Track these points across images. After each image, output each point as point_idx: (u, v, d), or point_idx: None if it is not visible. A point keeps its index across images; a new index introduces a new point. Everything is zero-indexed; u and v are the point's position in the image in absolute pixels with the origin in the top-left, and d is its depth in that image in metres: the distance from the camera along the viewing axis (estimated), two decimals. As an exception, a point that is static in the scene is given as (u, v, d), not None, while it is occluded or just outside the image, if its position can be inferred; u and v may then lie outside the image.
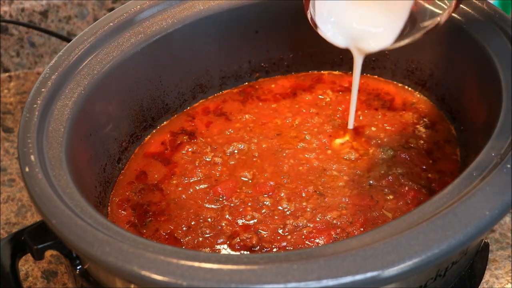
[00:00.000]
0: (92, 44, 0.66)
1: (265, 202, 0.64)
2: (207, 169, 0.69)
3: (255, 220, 0.63)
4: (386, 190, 0.64)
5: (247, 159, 0.70)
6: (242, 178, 0.67)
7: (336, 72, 0.82)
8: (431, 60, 0.75)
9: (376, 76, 0.81)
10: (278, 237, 0.61)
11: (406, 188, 0.64)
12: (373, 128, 0.72)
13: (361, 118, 0.74)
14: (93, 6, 1.02)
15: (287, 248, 0.60)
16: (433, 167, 0.67)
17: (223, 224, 0.62)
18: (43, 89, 0.60)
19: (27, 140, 0.55)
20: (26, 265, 0.70)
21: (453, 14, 0.68)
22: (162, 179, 0.68)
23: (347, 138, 0.72)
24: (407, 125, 0.72)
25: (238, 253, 0.60)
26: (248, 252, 0.60)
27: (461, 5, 0.68)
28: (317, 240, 0.60)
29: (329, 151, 0.70)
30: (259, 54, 0.80)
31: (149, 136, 0.74)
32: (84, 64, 0.65)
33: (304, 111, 0.76)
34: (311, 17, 0.63)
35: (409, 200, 0.63)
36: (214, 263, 0.44)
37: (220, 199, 0.65)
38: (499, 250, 0.68)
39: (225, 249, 0.60)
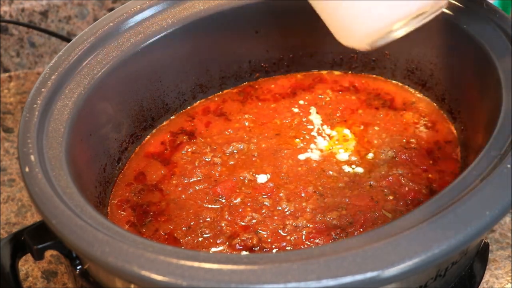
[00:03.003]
0: (92, 44, 0.66)
1: (264, 203, 0.64)
2: (206, 169, 0.69)
3: (255, 221, 0.63)
4: (386, 190, 0.64)
5: (246, 159, 0.70)
6: (242, 178, 0.67)
7: (336, 72, 0.82)
8: (431, 60, 0.75)
9: (376, 76, 0.81)
10: (278, 237, 0.61)
11: (406, 189, 0.64)
12: (375, 128, 0.72)
13: (362, 116, 0.74)
14: (93, 6, 1.02)
15: (287, 248, 0.60)
16: (434, 167, 0.67)
17: (223, 224, 0.62)
18: (43, 89, 0.60)
19: (27, 140, 0.55)
20: (26, 265, 0.70)
21: (453, 14, 0.68)
22: (162, 179, 0.68)
23: (347, 138, 0.72)
24: (407, 125, 0.72)
25: (238, 253, 0.59)
26: (248, 252, 0.60)
27: (461, 5, 0.68)
28: (316, 241, 0.60)
29: (329, 152, 0.70)
30: (259, 54, 0.80)
31: (149, 136, 0.74)
32: (84, 64, 0.65)
33: (303, 110, 0.76)
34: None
35: (409, 200, 0.63)
36: (214, 263, 0.44)
37: (220, 199, 0.65)
38: (499, 250, 0.68)
39: (225, 250, 0.60)
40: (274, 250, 0.60)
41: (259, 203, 0.64)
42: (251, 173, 0.68)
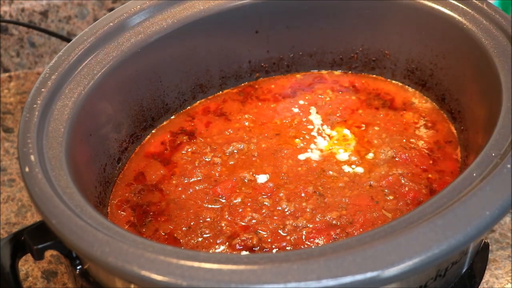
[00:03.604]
0: (92, 44, 0.66)
1: (264, 203, 0.64)
2: (206, 169, 0.69)
3: (255, 221, 0.63)
4: (386, 190, 0.64)
5: (246, 159, 0.70)
6: (242, 178, 0.67)
7: (336, 72, 0.82)
8: (431, 60, 0.75)
9: (376, 76, 0.81)
10: (278, 237, 0.61)
11: (406, 189, 0.64)
12: (375, 128, 0.72)
13: (362, 116, 0.74)
14: (93, 6, 1.02)
15: (287, 248, 0.60)
16: (434, 167, 0.67)
17: (223, 224, 0.62)
18: (43, 89, 0.60)
19: (27, 140, 0.55)
20: (26, 265, 0.70)
21: (453, 14, 0.68)
22: (162, 179, 0.68)
23: (347, 138, 0.72)
24: (407, 125, 0.72)
25: (238, 253, 0.59)
26: (248, 252, 0.60)
27: (461, 5, 0.68)
28: (316, 240, 0.60)
29: (329, 152, 0.70)
30: (259, 54, 0.80)
31: (149, 136, 0.74)
32: (84, 64, 0.65)
33: (303, 110, 0.76)
34: None
35: (409, 200, 0.63)
36: (214, 263, 0.44)
37: (220, 199, 0.65)
38: (499, 250, 0.68)
39: (225, 250, 0.60)
40: (274, 250, 0.60)
41: (259, 203, 0.64)
42: (251, 173, 0.68)
